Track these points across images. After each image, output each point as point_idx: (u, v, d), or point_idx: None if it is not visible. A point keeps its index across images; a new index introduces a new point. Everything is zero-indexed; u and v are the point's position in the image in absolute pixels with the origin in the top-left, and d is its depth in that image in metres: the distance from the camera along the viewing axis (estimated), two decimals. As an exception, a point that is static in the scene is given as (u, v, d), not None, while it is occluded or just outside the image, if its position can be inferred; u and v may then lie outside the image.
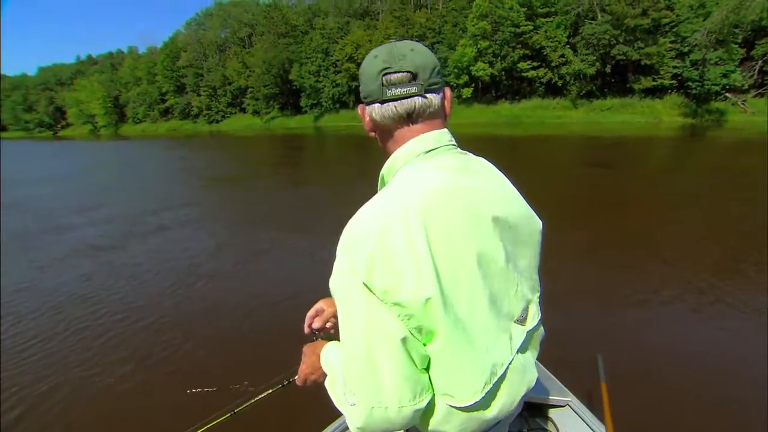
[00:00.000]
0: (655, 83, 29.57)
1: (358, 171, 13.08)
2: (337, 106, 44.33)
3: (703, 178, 10.03)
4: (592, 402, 1.69)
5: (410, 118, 0.79)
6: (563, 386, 1.65)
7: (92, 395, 3.01)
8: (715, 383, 2.62)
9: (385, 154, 0.85)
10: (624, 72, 31.46)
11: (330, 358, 0.87)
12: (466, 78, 35.41)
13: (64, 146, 41.60)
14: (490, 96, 36.93)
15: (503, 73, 35.35)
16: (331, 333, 1.03)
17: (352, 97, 43.53)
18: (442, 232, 0.69)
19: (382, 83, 0.77)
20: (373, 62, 0.79)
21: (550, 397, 1.59)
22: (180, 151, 26.25)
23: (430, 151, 0.79)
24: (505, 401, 0.76)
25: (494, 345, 0.73)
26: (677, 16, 28.74)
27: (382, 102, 0.79)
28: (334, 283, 0.72)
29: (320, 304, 1.06)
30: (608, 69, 31.22)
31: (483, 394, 0.71)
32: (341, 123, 41.00)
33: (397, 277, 0.64)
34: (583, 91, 32.47)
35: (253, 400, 1.13)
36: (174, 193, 11.73)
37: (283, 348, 1.71)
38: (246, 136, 37.28)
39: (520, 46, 34.09)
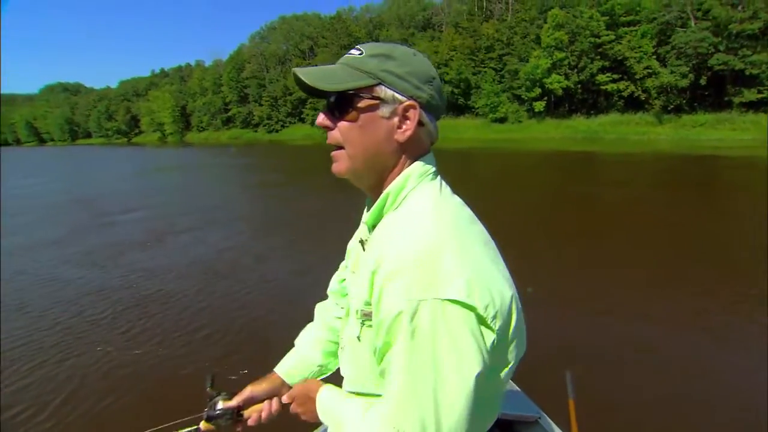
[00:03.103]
0: (761, 95, 26.40)
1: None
2: (399, 118, 43.93)
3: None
4: (561, 418, 1.69)
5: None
6: (533, 403, 1.67)
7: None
8: (682, 398, 2.71)
9: (368, 163, 0.73)
10: (721, 84, 28.50)
11: (337, 403, 0.79)
12: (538, 91, 33.70)
13: (136, 152, 44.20)
14: (563, 110, 34.91)
15: (579, 86, 33.34)
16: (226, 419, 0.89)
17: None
18: (489, 244, 0.73)
19: (441, 96, 0.75)
20: (425, 62, 0.73)
21: (521, 414, 1.62)
22: (241, 158, 26.77)
23: (435, 172, 0.77)
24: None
25: (524, 334, 0.75)
26: (793, 19, 25.56)
27: (436, 113, 0.75)
28: (401, 305, 0.60)
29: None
30: (703, 81, 28.39)
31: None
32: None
33: (489, 289, 0.63)
34: (671, 106, 29.73)
35: None
36: (226, 196, 11.79)
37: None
38: (304, 146, 37.75)
39: (599, 57, 32.04)
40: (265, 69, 60.52)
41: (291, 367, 1.03)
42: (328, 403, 0.82)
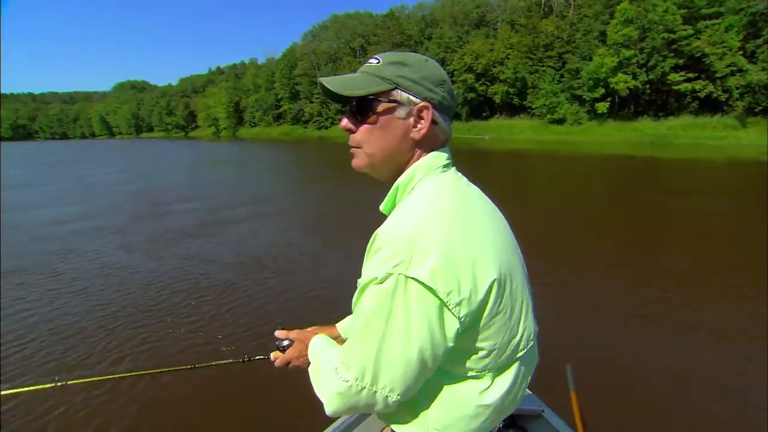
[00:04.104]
0: None
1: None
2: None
3: None
4: (564, 410, 1.71)
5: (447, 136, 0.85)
6: (536, 396, 1.69)
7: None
8: (680, 391, 2.73)
9: (386, 159, 0.80)
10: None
11: (320, 346, 0.92)
12: (601, 91, 31.59)
13: (192, 145, 46.49)
14: (627, 111, 32.52)
15: (647, 86, 30.86)
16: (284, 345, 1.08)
17: (466, 108, 41.85)
18: (488, 235, 0.76)
19: (453, 97, 0.82)
20: (437, 67, 0.80)
21: (524, 407, 1.63)
22: (291, 153, 27.13)
23: (447, 165, 0.82)
24: (522, 381, 0.85)
25: (519, 326, 0.80)
26: None
27: (449, 113, 0.82)
28: (375, 271, 0.69)
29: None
30: (801, 79, 25.23)
31: (514, 370, 0.81)
32: (453, 134, 38.46)
33: (458, 277, 0.67)
34: (759, 107, 26.70)
35: (213, 363, 1.16)
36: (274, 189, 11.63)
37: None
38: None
39: (672, 54, 29.44)
40: (316, 67, 61.58)
41: (348, 326, 1.14)
42: (316, 345, 0.93)
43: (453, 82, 41.02)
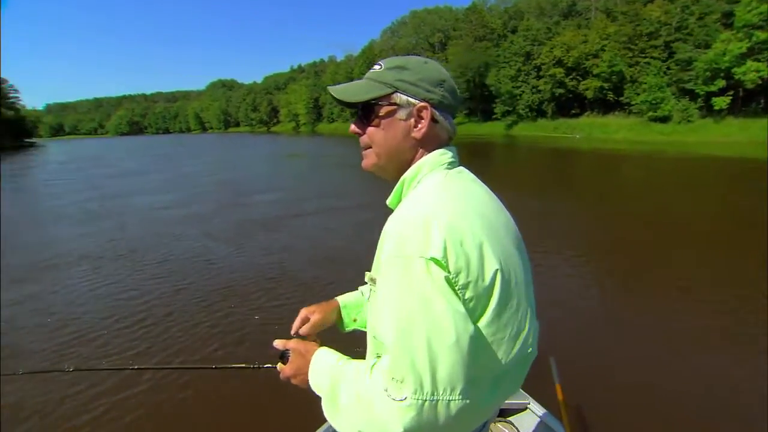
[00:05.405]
0: None
1: (556, 185, 11.91)
2: (534, 114, 40.19)
3: None
4: (549, 402, 1.71)
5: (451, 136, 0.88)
6: (521, 390, 1.69)
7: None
8: (660, 379, 2.86)
9: (391, 158, 0.84)
10: None
11: (329, 365, 0.82)
12: (721, 83, 27.27)
13: (274, 139, 49.18)
14: (756, 107, 27.75)
15: (786, 74, 25.96)
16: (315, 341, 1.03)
17: (552, 105, 38.94)
18: (493, 227, 0.76)
19: (454, 96, 0.85)
20: (436, 68, 0.83)
21: (511, 401, 1.66)
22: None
23: (452, 162, 0.84)
24: (516, 383, 0.84)
25: (526, 321, 0.80)
26: None
27: (451, 111, 0.85)
28: (393, 261, 0.69)
29: (304, 313, 1.08)
30: None
31: (516, 369, 0.80)
32: (538, 132, 36.94)
33: (467, 258, 0.68)
34: None
35: (233, 365, 1.13)
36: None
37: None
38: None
39: (825, 36, 24.40)
40: (393, 63, 61.68)
41: (349, 298, 1.15)
42: (324, 365, 0.83)
43: (540, 77, 38.86)
